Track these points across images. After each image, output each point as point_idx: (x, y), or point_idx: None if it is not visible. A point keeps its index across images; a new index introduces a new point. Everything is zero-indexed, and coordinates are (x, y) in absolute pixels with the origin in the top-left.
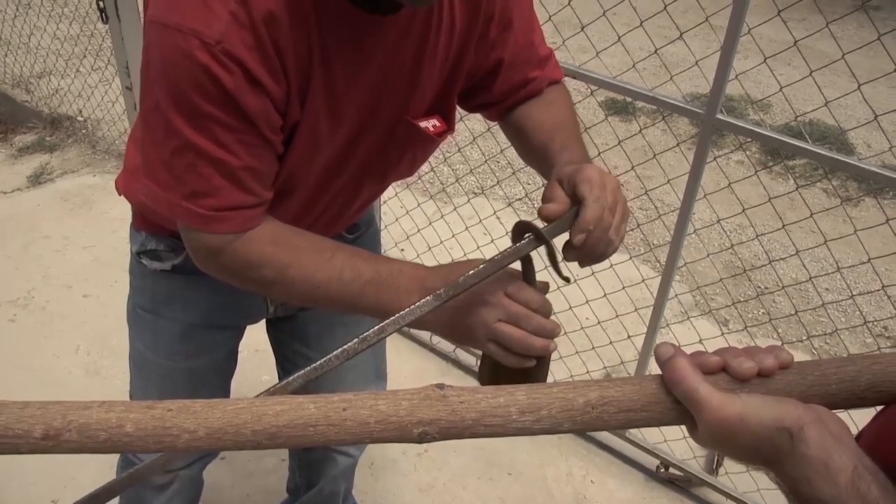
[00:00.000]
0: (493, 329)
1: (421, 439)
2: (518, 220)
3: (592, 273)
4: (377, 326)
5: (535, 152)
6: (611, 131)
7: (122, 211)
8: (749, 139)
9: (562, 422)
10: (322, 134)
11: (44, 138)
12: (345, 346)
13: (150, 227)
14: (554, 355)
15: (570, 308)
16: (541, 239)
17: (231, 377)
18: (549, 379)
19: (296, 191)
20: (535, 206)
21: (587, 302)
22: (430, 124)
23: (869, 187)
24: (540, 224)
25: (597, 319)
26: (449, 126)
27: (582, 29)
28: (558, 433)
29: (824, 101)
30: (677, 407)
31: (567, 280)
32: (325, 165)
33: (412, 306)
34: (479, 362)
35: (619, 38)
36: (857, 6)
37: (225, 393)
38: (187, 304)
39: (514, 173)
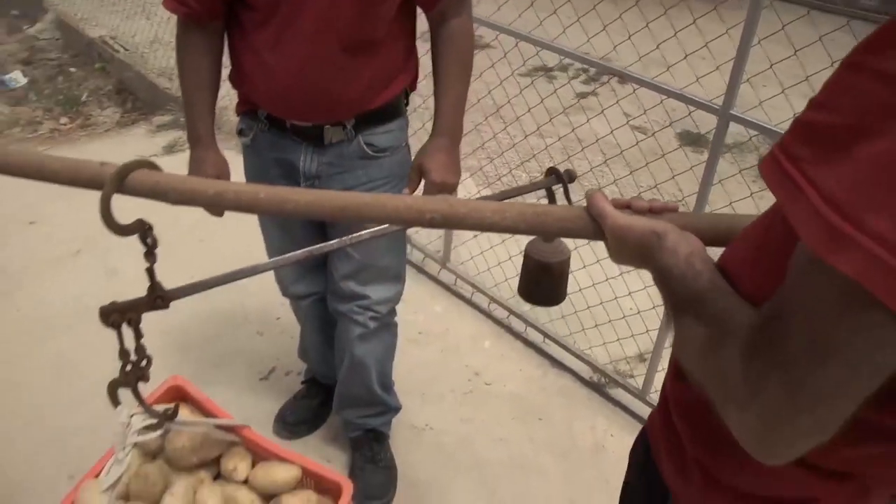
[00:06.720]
0: None
1: (431, 223)
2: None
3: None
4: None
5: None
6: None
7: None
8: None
9: (518, 223)
10: None
11: (178, 118)
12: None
13: (238, 108)
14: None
15: (616, 298)
16: (560, 178)
17: None
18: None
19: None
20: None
21: (630, 294)
22: None
23: None
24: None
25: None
26: None
27: (657, 46)
28: (516, 233)
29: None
30: (594, 224)
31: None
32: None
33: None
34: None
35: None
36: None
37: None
38: (258, 171)
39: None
